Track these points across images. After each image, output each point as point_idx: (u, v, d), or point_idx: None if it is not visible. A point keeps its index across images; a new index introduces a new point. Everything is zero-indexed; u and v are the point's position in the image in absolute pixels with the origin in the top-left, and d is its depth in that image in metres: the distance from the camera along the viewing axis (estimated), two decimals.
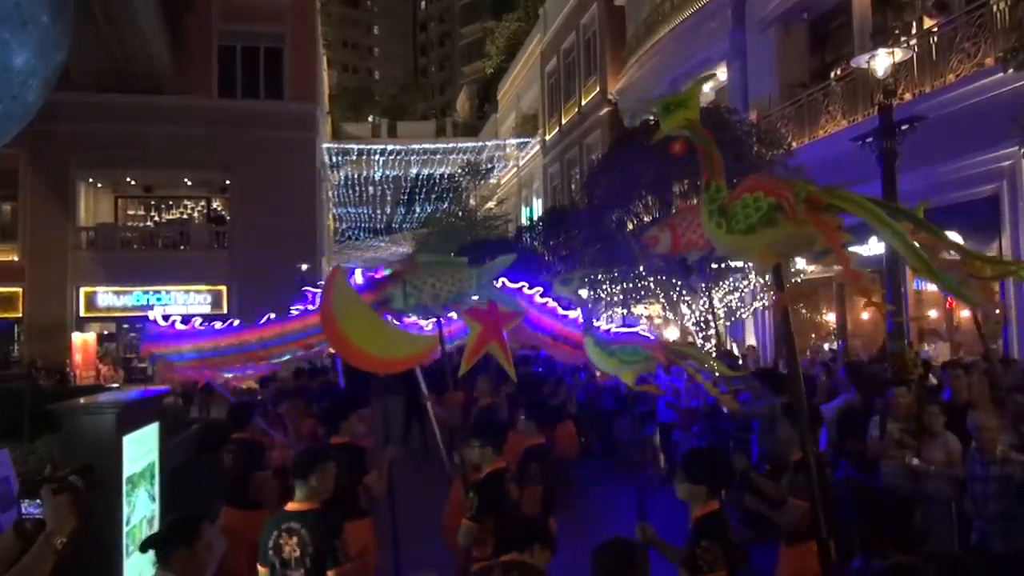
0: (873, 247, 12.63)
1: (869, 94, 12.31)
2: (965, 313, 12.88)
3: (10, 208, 24.05)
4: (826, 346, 15.15)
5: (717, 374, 5.00)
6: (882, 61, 8.50)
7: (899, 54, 8.66)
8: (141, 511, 4.77)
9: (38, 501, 2.84)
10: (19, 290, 23.18)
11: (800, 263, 12.70)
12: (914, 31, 12.49)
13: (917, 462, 5.94)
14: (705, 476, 3.82)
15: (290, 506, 3.81)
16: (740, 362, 12.21)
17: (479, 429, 4.99)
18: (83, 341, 22.86)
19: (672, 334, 15.74)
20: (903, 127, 8.54)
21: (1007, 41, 10.40)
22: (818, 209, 2.70)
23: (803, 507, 4.08)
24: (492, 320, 5.38)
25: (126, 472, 4.44)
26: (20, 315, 23.26)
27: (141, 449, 4.76)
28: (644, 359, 4.46)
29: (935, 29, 12.10)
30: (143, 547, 3.28)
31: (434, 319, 5.72)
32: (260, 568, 3.76)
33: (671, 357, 4.65)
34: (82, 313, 23.77)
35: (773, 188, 2.77)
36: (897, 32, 8.71)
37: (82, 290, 23.72)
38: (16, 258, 23.31)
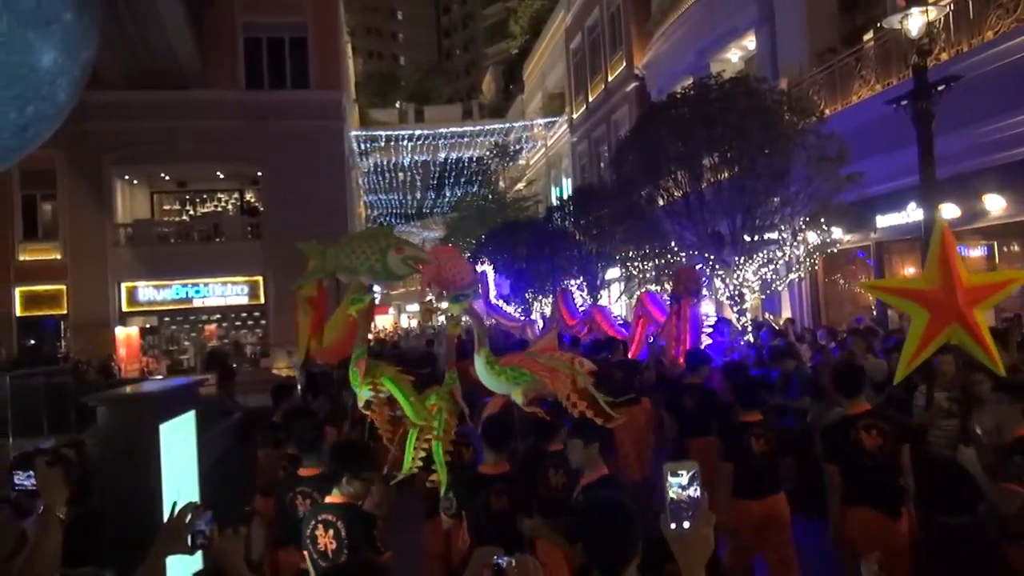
0: (911, 214, 12.39)
1: (903, 56, 11.92)
2: None
3: (50, 208, 24.61)
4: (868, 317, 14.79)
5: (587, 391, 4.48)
6: (916, 21, 8.23)
7: (933, 12, 8.38)
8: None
9: (30, 472, 2.92)
10: (63, 287, 23.80)
11: (836, 232, 12.42)
12: None
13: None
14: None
15: (330, 499, 3.85)
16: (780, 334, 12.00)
17: None
18: (126, 335, 23.42)
19: (708, 308, 15.53)
20: (939, 88, 8.28)
21: None
22: None
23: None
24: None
25: (164, 459, 4.51)
26: (65, 312, 23.88)
27: (178, 436, 4.84)
28: (530, 380, 4.40)
29: None
30: None
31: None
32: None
33: (551, 377, 4.36)
34: (124, 308, 24.30)
35: None
36: None
37: (123, 285, 24.25)
38: (59, 256, 23.90)
